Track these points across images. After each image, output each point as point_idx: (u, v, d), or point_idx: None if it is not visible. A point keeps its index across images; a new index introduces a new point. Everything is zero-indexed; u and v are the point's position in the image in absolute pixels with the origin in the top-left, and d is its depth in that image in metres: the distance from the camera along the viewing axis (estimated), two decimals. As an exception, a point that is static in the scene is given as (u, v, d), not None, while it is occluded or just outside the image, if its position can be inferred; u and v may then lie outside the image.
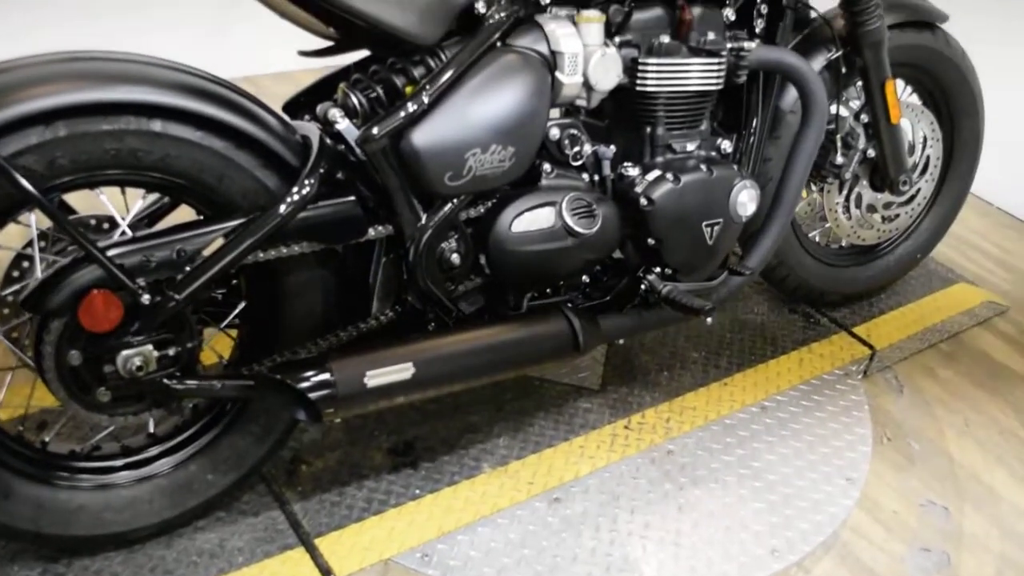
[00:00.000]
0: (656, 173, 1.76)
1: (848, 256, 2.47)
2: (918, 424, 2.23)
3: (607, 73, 1.68)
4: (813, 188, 2.31)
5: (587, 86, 1.68)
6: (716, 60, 1.77)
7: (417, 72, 1.59)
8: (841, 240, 2.40)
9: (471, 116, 1.55)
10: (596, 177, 1.78)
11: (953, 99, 2.36)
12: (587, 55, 1.66)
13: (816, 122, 1.93)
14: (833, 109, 2.12)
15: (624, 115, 1.81)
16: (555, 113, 1.74)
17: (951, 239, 3.04)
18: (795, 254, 2.30)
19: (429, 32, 1.50)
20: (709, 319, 1.78)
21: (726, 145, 1.93)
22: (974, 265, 2.96)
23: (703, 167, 1.79)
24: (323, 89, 1.70)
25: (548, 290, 1.79)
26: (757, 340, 2.32)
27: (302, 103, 1.71)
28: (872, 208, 2.36)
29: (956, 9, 2.35)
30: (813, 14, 2.11)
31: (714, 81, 1.78)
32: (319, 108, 1.61)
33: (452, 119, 1.54)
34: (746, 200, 1.84)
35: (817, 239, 2.45)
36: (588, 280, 1.82)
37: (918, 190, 2.39)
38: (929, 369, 2.44)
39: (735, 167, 1.85)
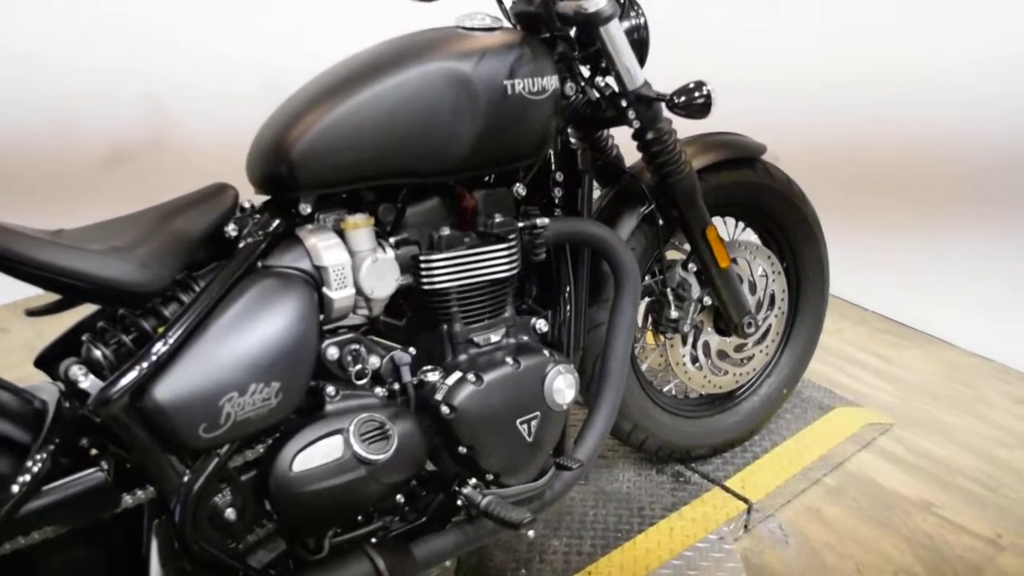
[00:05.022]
0: (456, 375, 1.61)
1: (709, 405, 2.33)
2: (806, 579, 2.07)
3: (381, 280, 1.54)
4: (657, 343, 2.19)
5: (363, 296, 1.54)
6: (506, 245, 1.65)
7: (168, 310, 1.44)
8: (698, 390, 2.27)
9: (222, 357, 1.39)
10: (397, 386, 1.63)
11: (787, 229, 2.27)
12: (357, 264, 1.52)
13: (628, 289, 1.82)
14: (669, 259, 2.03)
15: (419, 314, 1.67)
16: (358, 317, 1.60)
17: (828, 356, 2.95)
18: (649, 414, 2.16)
19: (156, 276, 1.35)
20: (531, 532, 1.61)
21: (541, 324, 1.80)
22: (853, 380, 2.86)
23: (509, 360, 1.65)
24: (77, 337, 1.53)
25: (360, 517, 1.61)
26: (623, 513, 2.14)
27: (58, 355, 1.54)
28: (723, 354, 2.24)
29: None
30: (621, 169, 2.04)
31: (507, 266, 1.66)
32: (62, 365, 1.43)
33: (200, 364, 1.37)
34: (563, 386, 1.69)
35: (673, 392, 2.31)
36: (404, 500, 1.64)
37: (769, 326, 2.29)
38: (815, 511, 2.29)
39: (546, 352, 1.71)
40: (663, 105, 1.82)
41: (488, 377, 1.61)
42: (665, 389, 2.29)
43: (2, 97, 3.08)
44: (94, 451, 1.40)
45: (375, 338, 1.65)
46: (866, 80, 3.15)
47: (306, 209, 1.54)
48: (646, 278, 2.12)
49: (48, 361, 1.51)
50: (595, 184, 2.11)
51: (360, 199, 1.60)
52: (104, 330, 1.46)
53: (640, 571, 1.97)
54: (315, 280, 1.50)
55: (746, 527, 2.20)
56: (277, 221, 1.52)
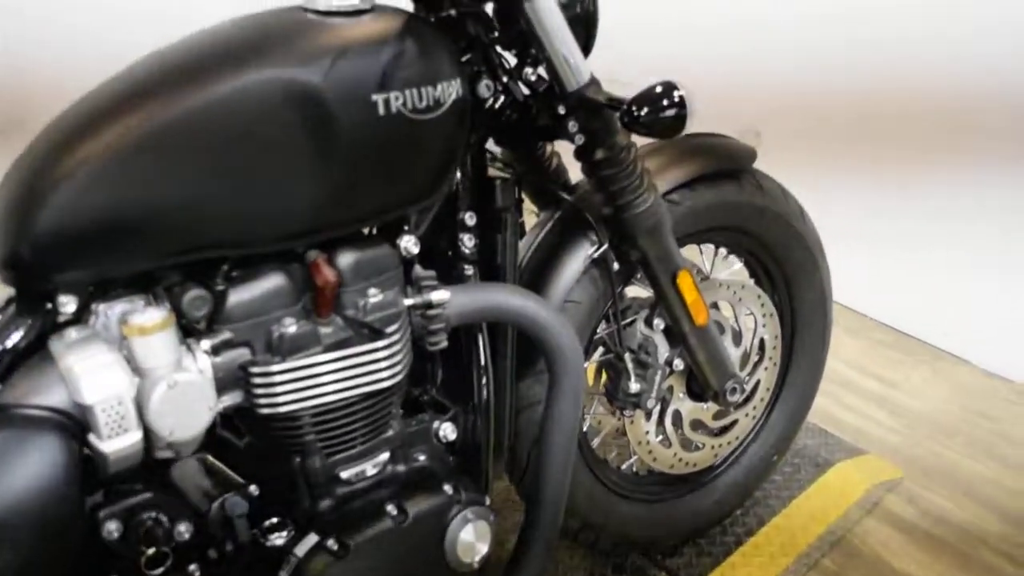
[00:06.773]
0: (310, 541, 1.09)
1: (679, 483, 1.81)
2: None
3: (187, 413, 1.00)
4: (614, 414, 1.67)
5: (159, 437, 1.00)
6: (386, 341, 1.11)
7: None
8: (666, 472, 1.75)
9: None
10: (229, 547, 1.10)
11: (781, 256, 1.74)
12: (146, 390, 0.98)
13: (566, 385, 1.29)
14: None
15: (261, 441, 1.14)
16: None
17: (823, 381, 2.45)
18: (600, 504, 1.65)
19: None
20: None
21: (447, 430, 1.28)
22: (853, 415, 2.37)
23: (391, 508, 1.14)
24: None
25: None
26: (564, 636, 1.65)
27: None
28: (698, 423, 1.73)
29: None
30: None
31: (388, 372, 1.13)
32: None
33: None
34: (471, 538, 1.18)
35: (634, 468, 1.79)
36: None
37: (757, 382, 1.77)
38: (810, 611, 1.81)
39: (447, 489, 1.18)
40: (617, 116, 1.27)
41: (356, 542, 1.09)
42: (624, 466, 1.77)
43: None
44: None
45: (214, 464, 1.14)
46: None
47: (68, 306, 0.99)
48: (601, 325, 1.59)
49: None
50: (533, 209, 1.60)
51: (158, 279, 1.05)
52: None
53: None
54: (76, 423, 0.96)
55: (724, 639, 1.72)
56: (25, 326, 0.99)
